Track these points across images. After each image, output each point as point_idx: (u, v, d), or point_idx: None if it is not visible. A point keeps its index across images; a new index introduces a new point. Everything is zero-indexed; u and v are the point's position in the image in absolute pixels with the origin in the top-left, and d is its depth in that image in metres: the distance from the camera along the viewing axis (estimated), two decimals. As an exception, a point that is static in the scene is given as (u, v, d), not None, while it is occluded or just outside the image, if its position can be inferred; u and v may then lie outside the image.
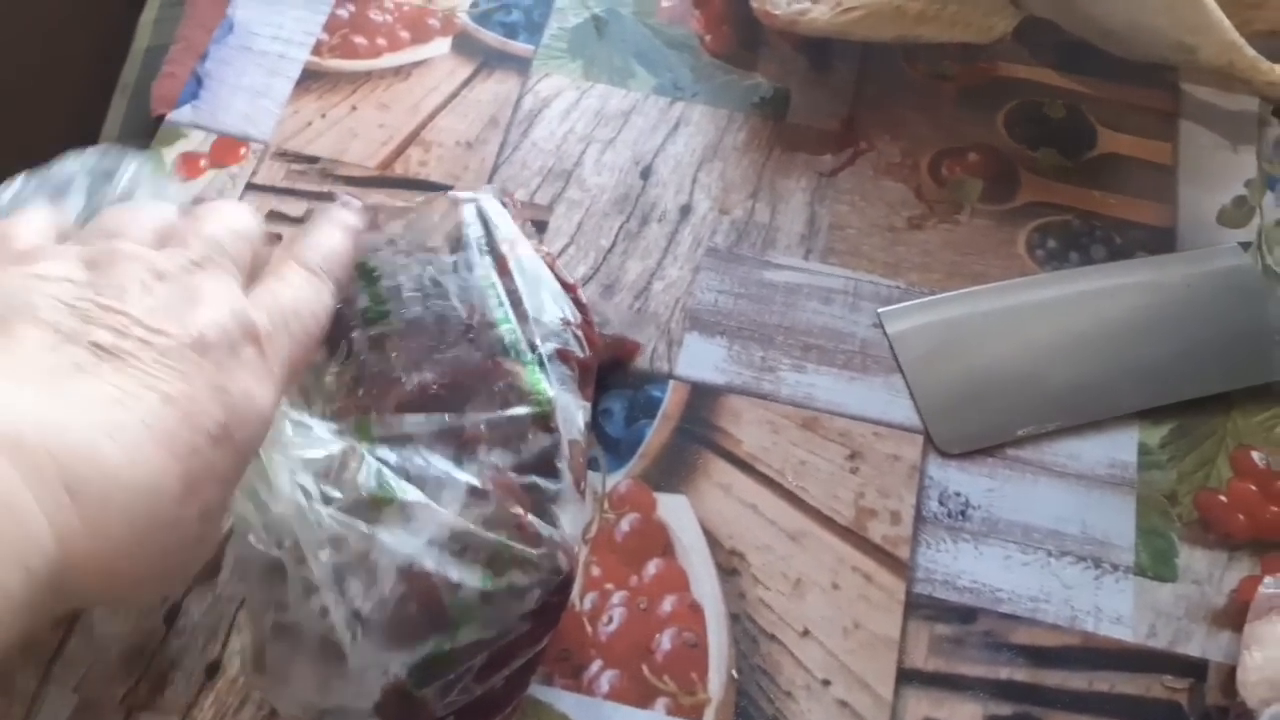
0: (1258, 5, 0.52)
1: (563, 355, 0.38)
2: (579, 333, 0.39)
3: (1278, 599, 0.41)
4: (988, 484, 0.46)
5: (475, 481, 0.34)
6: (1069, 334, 0.49)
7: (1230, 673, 0.41)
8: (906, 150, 0.54)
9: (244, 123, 0.54)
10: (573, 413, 0.37)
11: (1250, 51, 0.50)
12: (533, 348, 0.37)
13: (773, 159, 0.54)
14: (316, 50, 0.57)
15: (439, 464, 0.34)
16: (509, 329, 0.37)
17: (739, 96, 0.56)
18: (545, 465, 0.35)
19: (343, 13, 0.58)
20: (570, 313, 0.39)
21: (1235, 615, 0.43)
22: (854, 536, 0.45)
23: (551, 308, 0.39)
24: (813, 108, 0.56)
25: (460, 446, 0.35)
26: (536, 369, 0.36)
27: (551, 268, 0.41)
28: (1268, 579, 0.43)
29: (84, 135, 0.85)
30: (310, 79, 0.56)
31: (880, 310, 0.50)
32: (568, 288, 0.41)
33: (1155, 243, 0.52)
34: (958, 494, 0.46)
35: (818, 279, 0.51)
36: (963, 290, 0.50)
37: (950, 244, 0.52)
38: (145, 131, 0.56)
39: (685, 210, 0.52)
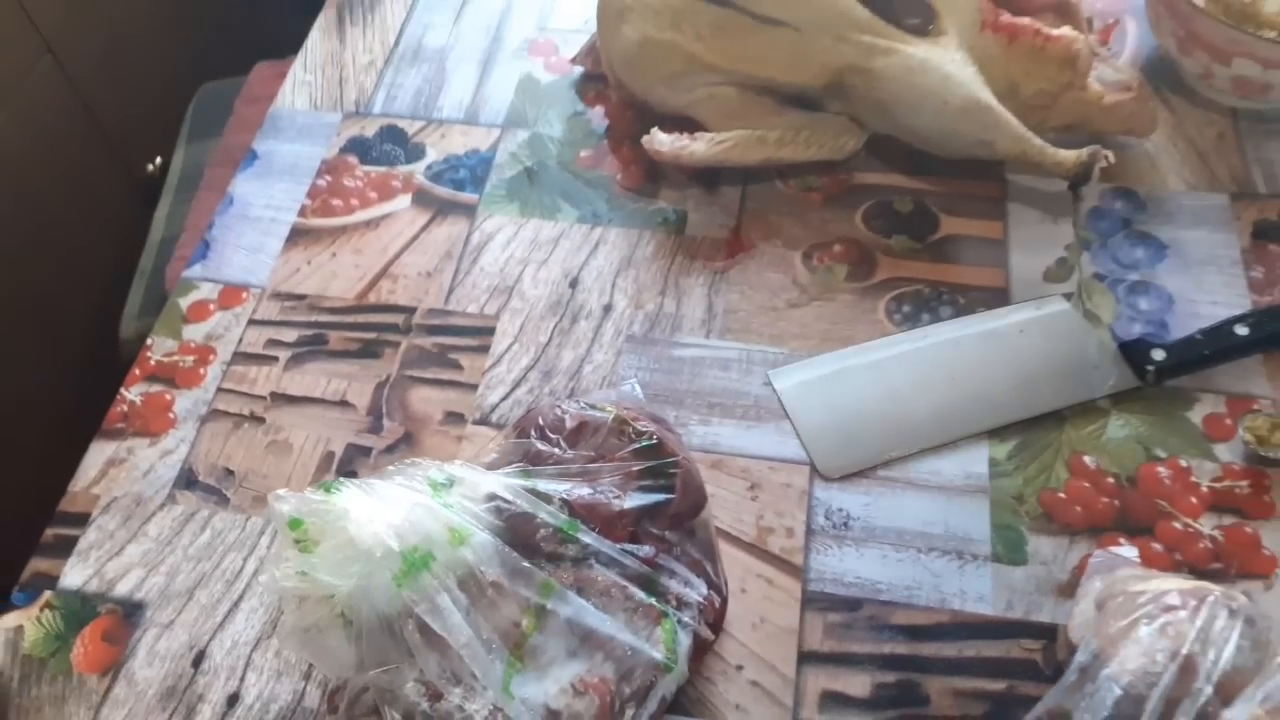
0: (1047, 107, 0.66)
1: (696, 635, 0.49)
2: (708, 614, 0.49)
3: (1100, 564, 0.50)
4: (864, 499, 0.55)
5: (585, 675, 0.45)
6: (925, 376, 0.60)
7: (1073, 630, 0.50)
8: (784, 248, 0.66)
9: (244, 273, 0.67)
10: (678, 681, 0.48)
11: (1038, 141, 0.63)
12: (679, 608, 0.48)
13: (676, 263, 0.66)
14: (302, 213, 0.70)
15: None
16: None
17: (646, 219, 0.69)
18: (643, 697, 0.47)
19: (322, 182, 0.71)
20: (709, 590, 0.50)
21: (1076, 587, 0.52)
22: (757, 550, 0.54)
23: (699, 584, 0.50)
24: (706, 222, 0.68)
25: (584, 640, 0.46)
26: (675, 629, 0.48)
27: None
28: (1097, 551, 0.52)
29: (107, 316, 0.98)
30: (297, 235, 0.69)
31: (769, 371, 0.60)
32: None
33: (993, 301, 0.63)
34: (840, 510, 0.55)
35: (717, 352, 0.62)
36: (835, 351, 0.61)
37: (823, 317, 0.63)
38: (160, 309, 0.67)
39: (607, 308, 0.64)
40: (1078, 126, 0.67)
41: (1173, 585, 0.44)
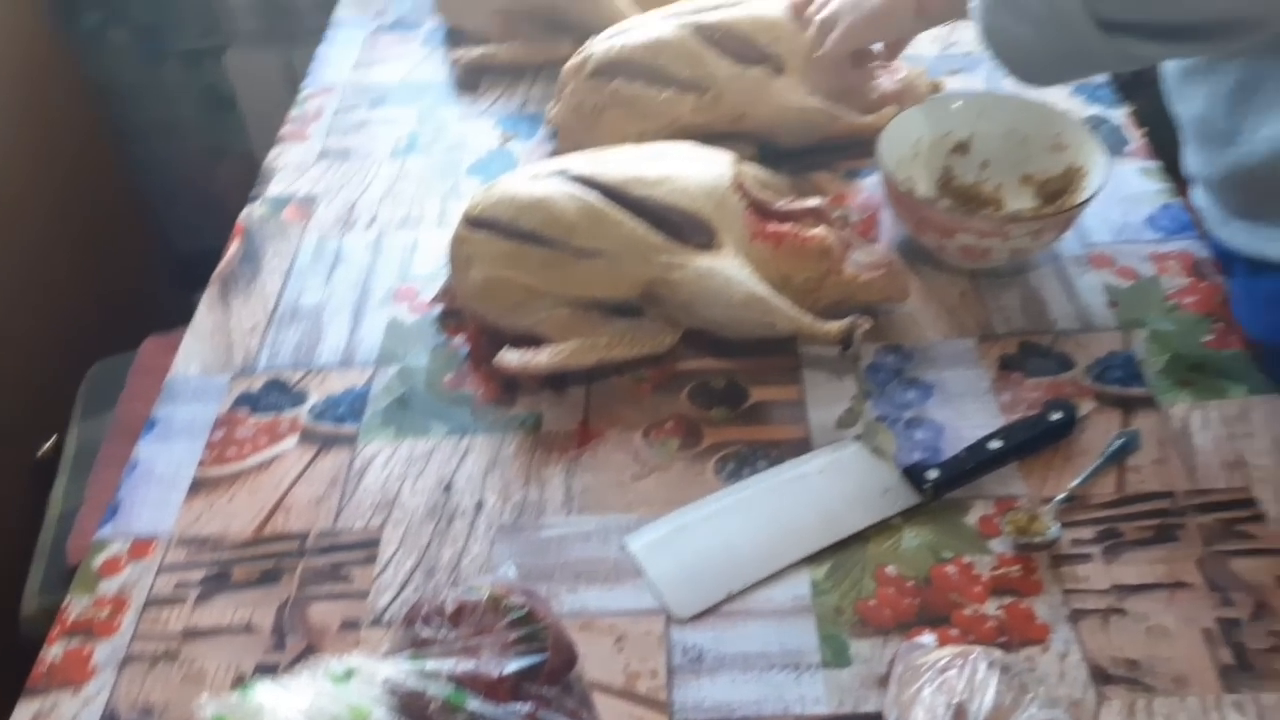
0: (816, 290, 0.81)
1: None
2: None
3: (904, 652, 0.60)
4: (713, 634, 0.65)
5: None
6: (751, 520, 0.71)
7: (894, 713, 0.59)
8: (625, 431, 0.78)
9: (152, 526, 0.75)
10: None
11: (808, 318, 0.77)
12: None
13: (535, 457, 0.77)
14: (201, 465, 0.79)
15: None
16: None
17: (507, 424, 0.80)
18: None
19: (217, 436, 0.81)
20: None
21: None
22: (628, 694, 0.62)
23: None
24: (559, 419, 0.80)
25: None
26: None
27: None
28: (904, 643, 0.62)
29: (6, 601, 1.02)
30: (198, 486, 0.77)
31: (624, 537, 0.71)
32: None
33: (798, 450, 0.75)
34: (694, 646, 0.64)
35: (578, 527, 0.72)
36: (677, 510, 0.72)
37: (663, 483, 0.74)
38: (64, 584, 0.74)
39: (479, 506, 0.74)
40: (845, 301, 0.82)
41: (946, 652, 0.55)
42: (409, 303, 0.92)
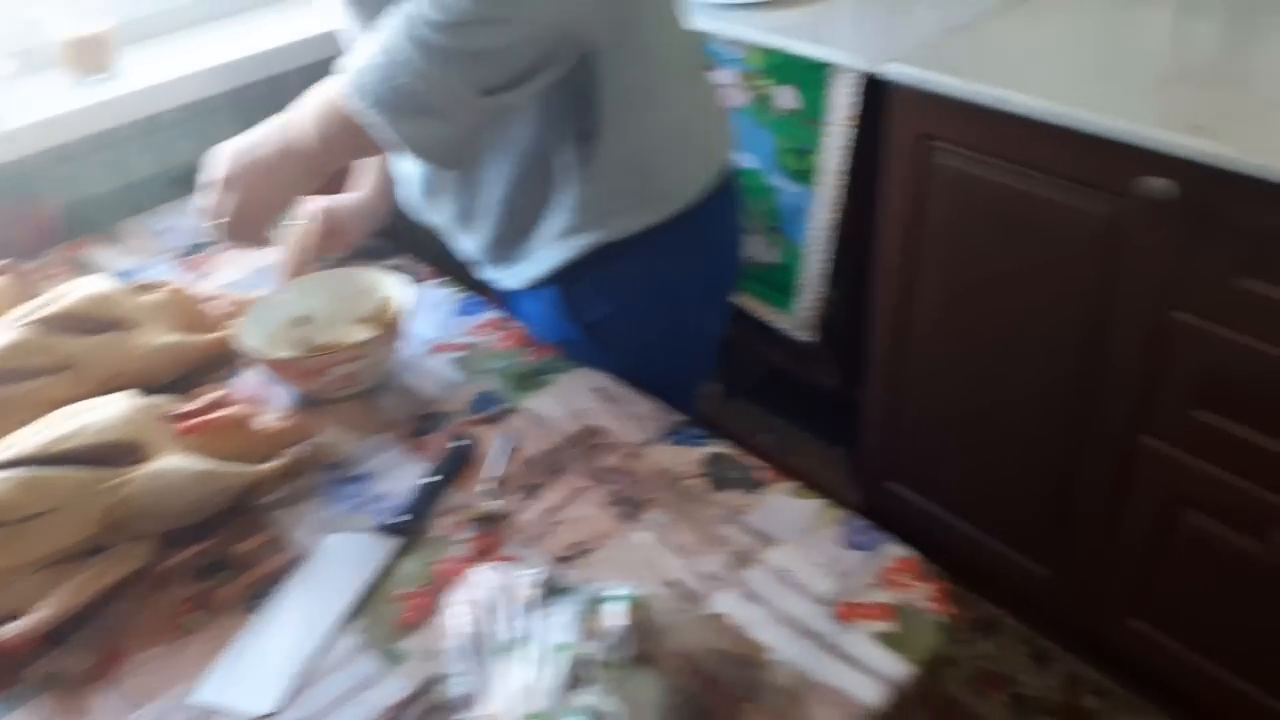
0: (249, 456, 0.99)
1: None
2: None
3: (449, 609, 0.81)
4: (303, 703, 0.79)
5: None
6: (289, 619, 0.86)
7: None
8: (152, 634, 0.87)
9: None
10: None
11: (252, 468, 0.95)
12: None
13: (81, 701, 0.82)
14: None
15: None
16: None
17: (29, 698, 0.83)
18: None
19: None
20: None
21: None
22: None
23: None
24: (81, 662, 0.85)
25: None
26: None
27: None
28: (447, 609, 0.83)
29: None
30: None
31: (192, 695, 0.81)
32: None
33: (300, 561, 0.92)
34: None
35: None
36: (229, 649, 0.84)
37: (215, 639, 0.85)
38: None
39: None
40: (275, 449, 1.01)
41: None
42: None
